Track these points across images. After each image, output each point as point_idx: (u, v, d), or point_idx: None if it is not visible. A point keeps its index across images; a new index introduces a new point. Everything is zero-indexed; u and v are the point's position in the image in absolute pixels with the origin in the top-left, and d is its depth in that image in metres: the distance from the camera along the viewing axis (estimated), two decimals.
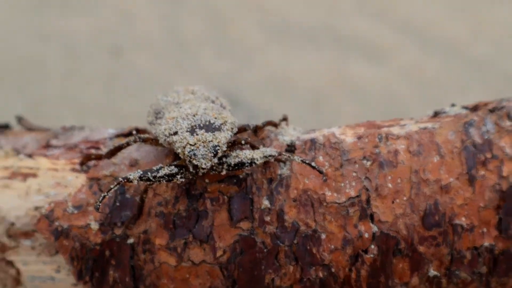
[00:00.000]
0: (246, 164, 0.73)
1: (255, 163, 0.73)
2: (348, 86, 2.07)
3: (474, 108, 0.83)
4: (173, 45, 2.23)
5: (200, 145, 0.72)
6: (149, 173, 0.72)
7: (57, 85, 2.19)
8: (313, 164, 0.74)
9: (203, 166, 0.71)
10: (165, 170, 0.74)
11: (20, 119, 0.92)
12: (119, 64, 2.18)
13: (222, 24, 2.29)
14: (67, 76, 2.20)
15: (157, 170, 0.73)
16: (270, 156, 0.73)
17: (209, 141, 0.73)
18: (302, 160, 0.75)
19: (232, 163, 0.73)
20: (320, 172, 0.73)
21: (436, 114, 0.84)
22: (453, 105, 0.86)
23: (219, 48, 2.17)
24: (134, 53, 2.21)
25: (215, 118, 0.76)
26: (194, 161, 0.71)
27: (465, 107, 0.84)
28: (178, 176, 0.73)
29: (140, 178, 0.72)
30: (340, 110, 2.02)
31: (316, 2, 2.44)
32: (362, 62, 2.15)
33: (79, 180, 0.81)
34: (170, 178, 0.73)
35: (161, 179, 0.73)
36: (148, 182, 0.73)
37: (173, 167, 0.74)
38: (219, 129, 0.75)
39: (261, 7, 2.36)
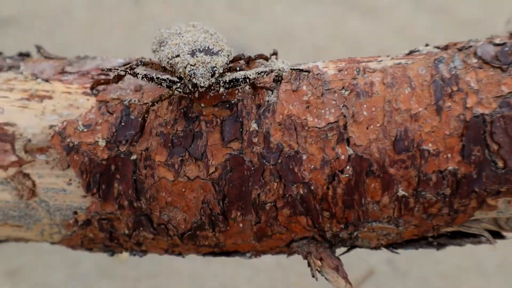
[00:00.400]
0: (241, 80, 0.78)
1: (248, 78, 0.78)
2: (345, 40, 2.12)
3: (445, 48, 0.87)
4: None
5: (199, 65, 0.77)
6: (153, 74, 0.79)
7: (82, 32, 2.24)
8: (300, 67, 0.82)
9: (202, 84, 0.76)
10: (168, 76, 0.80)
11: (39, 48, 0.97)
12: (139, 13, 2.23)
13: None
14: (92, 24, 2.25)
15: (161, 75, 0.80)
16: (262, 72, 0.79)
17: (207, 62, 0.78)
18: (291, 68, 0.82)
19: (228, 79, 0.78)
20: (307, 71, 0.81)
21: (410, 52, 0.89)
22: (426, 45, 0.90)
23: (231, 2, 2.21)
24: (153, 3, 2.26)
25: (213, 45, 0.82)
26: (194, 80, 0.77)
27: (437, 47, 0.89)
28: (178, 85, 0.79)
29: (145, 75, 0.78)
30: None
31: None
32: (359, 18, 2.21)
33: (90, 102, 0.86)
34: (170, 83, 0.78)
35: (163, 81, 0.78)
36: (151, 82, 0.79)
37: (175, 78, 0.79)
38: (216, 54, 0.80)
39: None
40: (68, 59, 0.96)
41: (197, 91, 0.79)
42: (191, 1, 2.28)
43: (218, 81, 0.79)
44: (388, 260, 1.53)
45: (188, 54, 0.80)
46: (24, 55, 0.98)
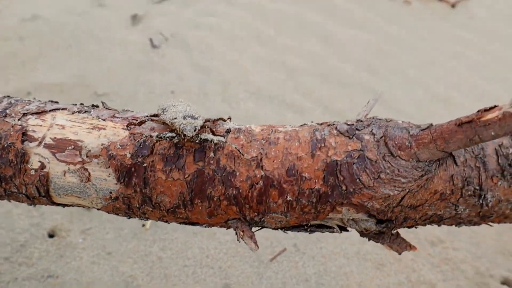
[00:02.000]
0: (208, 141, 0.85)
1: (211, 140, 0.85)
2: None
3: (321, 124, 0.92)
4: None
5: (188, 124, 0.85)
6: (161, 134, 0.86)
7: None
8: (233, 146, 0.88)
9: (189, 135, 0.83)
10: (169, 134, 0.87)
11: (103, 103, 1.03)
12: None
13: None
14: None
15: (165, 134, 0.87)
16: (218, 140, 0.86)
17: (192, 123, 0.84)
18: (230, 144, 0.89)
19: (202, 138, 0.84)
20: (237, 149, 0.88)
21: (303, 124, 0.94)
22: (311, 122, 0.96)
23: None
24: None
25: (195, 113, 0.87)
26: (184, 132, 0.85)
27: (318, 123, 0.93)
28: (175, 138, 0.86)
29: (157, 136, 0.86)
30: None
31: None
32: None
33: (125, 133, 0.90)
34: (171, 138, 0.86)
35: (167, 138, 0.86)
36: (160, 139, 0.87)
37: (173, 133, 0.86)
38: (196, 118, 0.86)
39: None
40: (118, 110, 0.99)
41: (185, 139, 0.85)
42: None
43: (197, 137, 0.85)
44: (294, 244, 1.54)
45: (181, 118, 0.86)
46: (95, 106, 1.01)
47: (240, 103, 1.87)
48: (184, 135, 0.85)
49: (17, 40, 2.01)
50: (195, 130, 0.85)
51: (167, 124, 0.88)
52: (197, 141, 0.86)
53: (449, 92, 2.00)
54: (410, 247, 0.97)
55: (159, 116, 0.91)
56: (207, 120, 0.92)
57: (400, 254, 0.97)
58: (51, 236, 1.53)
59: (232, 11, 2.22)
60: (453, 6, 2.33)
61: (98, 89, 1.89)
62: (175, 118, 0.87)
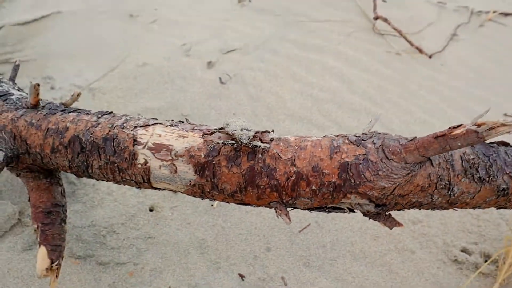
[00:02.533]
0: (258, 146, 0.84)
1: (260, 146, 0.84)
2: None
3: (338, 135, 0.89)
4: None
5: (243, 134, 0.84)
6: (226, 141, 0.85)
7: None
8: (275, 151, 0.86)
9: (244, 142, 0.82)
10: (231, 141, 0.84)
11: (186, 119, 1.03)
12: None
13: None
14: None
15: (228, 141, 0.86)
16: (265, 146, 0.85)
17: (247, 134, 0.84)
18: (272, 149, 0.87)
19: (253, 144, 0.84)
20: (277, 153, 0.85)
21: (325, 136, 0.90)
22: (331, 134, 0.95)
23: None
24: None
25: (248, 126, 0.86)
26: (241, 140, 0.83)
27: (335, 135, 0.90)
28: (235, 144, 0.84)
29: (223, 142, 0.85)
30: None
31: None
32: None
33: (201, 140, 0.90)
34: (232, 144, 0.84)
35: (229, 143, 0.84)
36: (224, 144, 0.86)
37: (234, 141, 0.84)
38: (250, 130, 0.85)
39: None
40: (196, 124, 0.99)
41: (241, 145, 0.84)
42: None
43: (250, 143, 0.84)
44: (315, 221, 1.50)
45: (239, 129, 0.84)
46: (181, 121, 1.00)
47: (280, 122, 1.85)
48: (241, 142, 0.83)
49: (132, 78, 2.05)
50: (248, 139, 0.84)
51: (229, 134, 0.88)
52: (249, 146, 0.85)
53: (426, 117, 1.94)
54: (398, 224, 0.93)
55: (224, 129, 0.91)
56: (257, 132, 0.90)
57: (391, 229, 0.93)
58: (151, 210, 1.54)
59: (275, 58, 2.22)
60: (430, 57, 2.27)
61: (184, 111, 1.91)
62: (235, 130, 0.86)
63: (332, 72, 2.22)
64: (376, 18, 2.56)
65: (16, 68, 1.37)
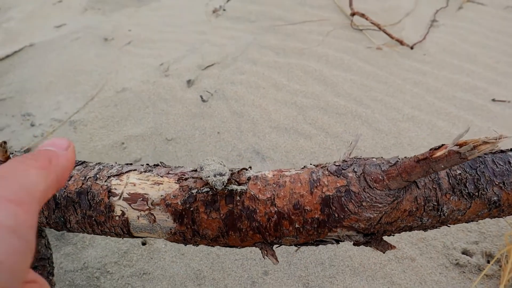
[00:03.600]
0: (234, 190, 0.80)
1: (236, 190, 0.80)
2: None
3: (317, 166, 0.86)
4: None
5: (217, 181, 0.80)
6: (200, 190, 0.81)
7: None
8: (252, 192, 0.82)
9: (219, 189, 0.78)
10: (205, 189, 0.81)
11: (162, 163, 0.99)
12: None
13: None
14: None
15: (203, 189, 0.82)
16: (241, 189, 0.81)
17: (220, 180, 0.79)
18: (250, 191, 0.83)
19: (229, 189, 0.80)
20: (254, 194, 0.82)
21: (304, 167, 0.87)
22: (310, 164, 0.91)
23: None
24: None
25: (224, 170, 0.81)
26: (216, 186, 0.79)
27: (314, 165, 0.87)
28: (209, 191, 0.80)
29: (197, 191, 0.81)
30: None
31: None
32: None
33: (176, 186, 0.85)
34: (207, 191, 0.80)
35: (204, 192, 0.79)
36: (199, 193, 0.82)
37: (208, 188, 0.81)
38: (224, 175, 0.81)
39: None
40: (171, 167, 0.95)
41: (217, 191, 0.80)
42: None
43: (225, 188, 0.80)
44: None
45: (213, 176, 0.80)
46: (155, 165, 0.96)
47: (266, 135, 1.80)
48: (216, 189, 0.80)
49: (113, 106, 2.00)
50: (223, 184, 0.79)
51: (203, 180, 0.84)
52: (225, 191, 0.82)
53: (414, 112, 1.88)
54: (391, 247, 0.89)
55: (198, 173, 0.87)
56: (233, 173, 0.86)
57: (384, 253, 0.90)
58: (143, 244, 1.51)
59: (255, 68, 2.16)
60: (411, 48, 2.22)
61: (167, 135, 1.86)
62: (208, 176, 0.81)
63: (314, 76, 2.18)
64: (353, 14, 2.52)
65: None
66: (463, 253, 1.36)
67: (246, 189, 0.83)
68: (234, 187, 0.81)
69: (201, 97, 2.06)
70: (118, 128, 1.95)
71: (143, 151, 1.84)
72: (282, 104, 2.01)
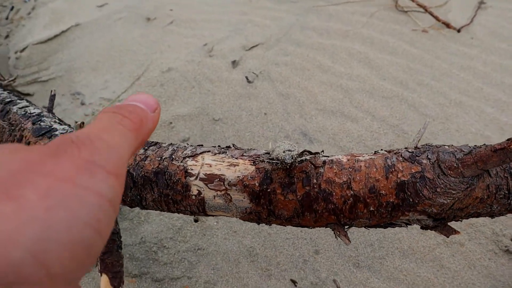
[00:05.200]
0: (305, 161, 0.84)
1: (306, 159, 0.84)
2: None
3: (389, 151, 0.89)
4: None
5: (287, 155, 0.84)
6: (273, 162, 0.86)
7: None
8: (328, 175, 0.86)
9: (287, 161, 0.82)
10: (275, 161, 0.86)
11: (234, 145, 1.04)
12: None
13: None
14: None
15: (275, 162, 0.86)
16: (311, 158, 0.85)
17: (289, 154, 0.83)
18: (327, 173, 0.87)
19: (299, 160, 0.84)
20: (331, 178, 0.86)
21: (375, 152, 0.90)
22: (381, 150, 0.94)
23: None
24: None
25: (291, 147, 0.85)
26: (285, 160, 0.83)
27: (386, 151, 0.90)
28: (279, 164, 0.84)
29: (271, 167, 0.86)
30: None
31: None
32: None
33: (253, 167, 0.90)
34: (276, 164, 0.84)
35: (275, 164, 0.84)
36: (272, 165, 0.86)
37: (279, 162, 0.85)
38: (293, 150, 0.84)
39: None
40: (244, 149, 1.00)
41: (287, 165, 0.84)
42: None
43: (295, 161, 0.84)
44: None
45: (282, 152, 0.84)
46: (228, 147, 1.01)
47: (312, 118, 1.83)
48: (286, 163, 0.84)
49: (159, 86, 2.05)
50: (292, 158, 0.83)
51: (275, 159, 0.88)
52: (295, 165, 0.85)
53: (461, 97, 1.87)
54: (455, 232, 0.93)
55: (271, 154, 0.91)
56: (308, 153, 0.90)
57: (448, 237, 0.93)
58: (196, 221, 1.58)
59: (300, 50, 2.17)
60: (458, 31, 2.18)
61: (214, 115, 1.91)
62: (279, 154, 0.86)
63: (359, 59, 2.18)
64: None
65: (52, 99, 1.40)
66: None
67: (323, 171, 0.87)
68: (304, 157, 0.85)
69: (247, 78, 2.10)
70: (165, 108, 2.01)
71: (191, 131, 1.90)
72: (328, 87, 2.03)
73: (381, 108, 1.91)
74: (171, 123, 1.95)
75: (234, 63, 2.19)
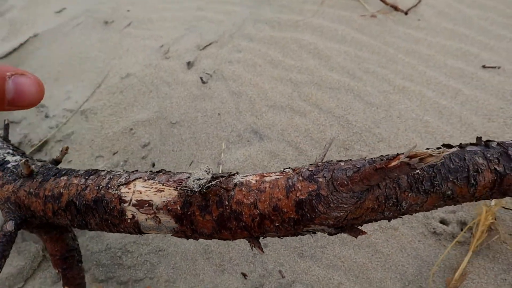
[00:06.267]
0: (212, 187, 0.96)
1: (214, 185, 0.95)
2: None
3: (294, 170, 0.99)
4: None
5: (195, 184, 0.95)
6: (184, 190, 0.97)
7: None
8: (238, 197, 0.97)
9: (196, 190, 0.93)
10: (186, 189, 0.98)
11: (163, 170, 1.14)
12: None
13: None
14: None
15: (186, 190, 0.97)
16: (216, 183, 0.96)
17: (198, 183, 0.94)
18: (236, 195, 0.97)
19: (205, 188, 0.96)
20: (240, 200, 0.97)
21: (283, 171, 1.00)
22: (289, 167, 1.04)
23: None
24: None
25: (203, 175, 0.97)
26: (194, 189, 0.93)
27: (292, 169, 1.00)
28: (189, 192, 0.95)
29: (184, 191, 0.97)
30: None
31: None
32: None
33: (176, 192, 1.00)
34: (186, 191, 0.96)
35: (187, 191, 0.97)
36: (185, 192, 0.97)
37: (189, 190, 0.97)
38: (202, 179, 0.95)
39: None
40: (171, 173, 1.11)
41: (196, 193, 0.95)
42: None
43: (202, 189, 0.95)
44: None
45: (192, 181, 0.95)
46: (158, 172, 1.12)
47: (263, 114, 1.94)
48: (194, 191, 0.95)
49: (119, 93, 2.14)
50: (199, 186, 0.95)
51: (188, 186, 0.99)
52: (204, 191, 0.96)
53: (404, 83, 1.97)
54: (362, 232, 1.05)
55: (186, 180, 1.02)
56: (222, 177, 1.01)
57: (356, 238, 1.06)
58: None
59: (252, 45, 2.25)
60: (406, 13, 2.25)
61: (172, 119, 2.01)
62: (189, 182, 0.97)
63: (308, 50, 2.26)
64: None
65: (6, 127, 1.49)
66: (440, 222, 1.52)
67: (233, 194, 0.99)
68: (211, 183, 0.96)
69: (201, 78, 2.18)
70: (126, 114, 2.10)
71: (151, 135, 2.00)
72: (278, 82, 2.12)
73: (328, 99, 2.01)
74: (131, 129, 2.05)
75: (189, 64, 2.27)
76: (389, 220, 1.05)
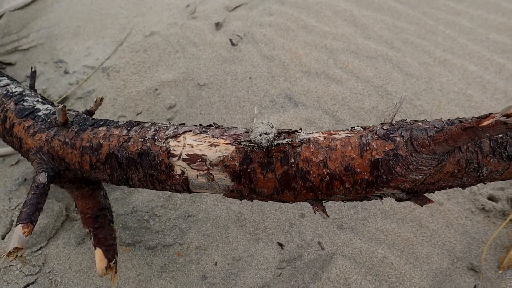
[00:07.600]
0: (281, 144, 0.87)
1: (282, 143, 0.86)
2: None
3: (365, 128, 0.91)
4: None
5: (263, 138, 0.86)
6: (250, 146, 0.87)
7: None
8: (306, 154, 0.88)
9: (264, 145, 0.85)
10: (252, 145, 0.88)
11: (214, 124, 1.05)
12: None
13: None
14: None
15: (252, 146, 0.88)
16: (287, 141, 0.87)
17: (266, 137, 0.86)
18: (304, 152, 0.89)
19: (275, 143, 0.87)
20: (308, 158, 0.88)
21: (352, 129, 0.92)
22: (357, 126, 0.96)
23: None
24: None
25: (269, 129, 0.88)
26: (262, 144, 0.84)
27: (362, 127, 0.92)
28: (256, 148, 0.86)
29: (248, 148, 0.88)
30: None
31: None
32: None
33: (233, 148, 0.92)
34: (253, 147, 0.87)
35: (252, 147, 0.87)
36: (249, 148, 0.88)
37: (254, 144, 0.88)
38: (269, 134, 0.87)
39: None
40: (225, 128, 1.01)
41: (263, 149, 0.87)
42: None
43: (271, 144, 0.86)
44: None
45: (259, 135, 0.87)
46: (209, 126, 1.02)
47: (297, 81, 1.83)
48: (262, 146, 0.86)
49: (143, 51, 2.03)
50: (268, 141, 0.86)
51: (251, 140, 0.90)
52: (272, 148, 0.87)
53: (445, 55, 1.87)
54: (428, 201, 0.97)
55: (249, 135, 0.93)
56: (286, 132, 0.92)
57: (422, 206, 0.97)
58: None
59: (284, 8, 2.13)
60: None
61: (200, 81, 1.90)
62: (255, 137, 0.88)
63: (344, 17, 2.14)
64: None
65: (33, 75, 1.38)
66: (489, 198, 1.44)
67: (300, 151, 0.89)
68: (280, 141, 0.87)
69: (231, 40, 2.07)
70: (150, 74, 1.99)
71: (177, 97, 1.89)
72: (312, 47, 2.01)
73: (365, 68, 1.91)
74: (156, 89, 1.94)
75: (218, 25, 2.14)
76: (463, 187, 0.96)
